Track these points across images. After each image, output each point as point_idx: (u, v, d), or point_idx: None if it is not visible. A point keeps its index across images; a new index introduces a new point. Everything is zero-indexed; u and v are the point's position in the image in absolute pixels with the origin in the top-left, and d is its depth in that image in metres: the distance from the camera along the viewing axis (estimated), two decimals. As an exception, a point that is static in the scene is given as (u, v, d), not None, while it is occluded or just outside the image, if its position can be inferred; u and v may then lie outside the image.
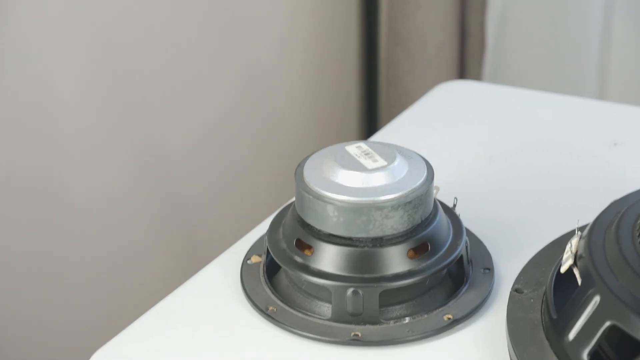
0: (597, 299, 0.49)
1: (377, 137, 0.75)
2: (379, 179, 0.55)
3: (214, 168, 1.21)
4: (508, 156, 0.72)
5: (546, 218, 0.63)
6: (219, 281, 0.59)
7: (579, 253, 0.52)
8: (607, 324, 0.48)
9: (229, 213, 1.23)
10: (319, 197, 0.55)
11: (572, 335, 0.49)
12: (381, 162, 0.56)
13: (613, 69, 1.23)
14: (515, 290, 0.55)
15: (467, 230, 0.61)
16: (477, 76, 1.31)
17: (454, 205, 0.61)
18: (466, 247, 0.58)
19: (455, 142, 0.75)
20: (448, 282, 0.58)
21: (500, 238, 0.61)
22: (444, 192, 0.64)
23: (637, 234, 0.51)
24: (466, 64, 1.33)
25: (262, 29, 1.23)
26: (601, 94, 1.25)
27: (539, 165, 0.71)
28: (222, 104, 1.20)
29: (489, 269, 0.59)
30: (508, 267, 0.59)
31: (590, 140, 0.75)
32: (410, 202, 0.55)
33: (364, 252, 0.55)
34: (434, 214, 0.57)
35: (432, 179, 0.57)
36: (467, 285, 0.57)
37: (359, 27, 1.36)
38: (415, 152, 0.59)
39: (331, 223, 0.55)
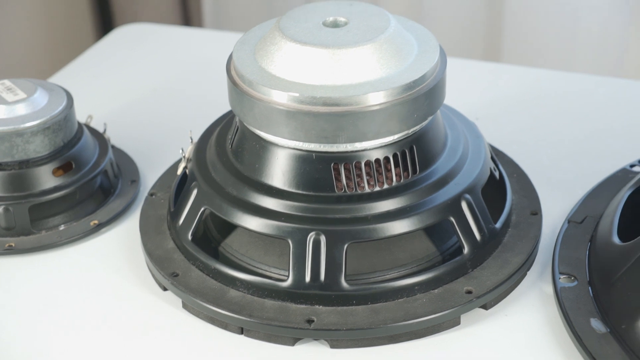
0: (196, 190, 0.60)
1: (54, 79, 0.83)
2: (20, 110, 0.63)
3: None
4: (169, 87, 0.82)
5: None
6: None
7: (189, 157, 0.63)
8: (202, 209, 0.59)
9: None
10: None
11: (180, 221, 0.61)
12: (21, 95, 0.64)
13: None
14: (150, 195, 0.66)
15: (120, 150, 0.72)
16: (199, 19, 1.40)
17: (104, 130, 0.70)
18: (111, 163, 0.68)
19: (125, 78, 0.84)
20: (99, 193, 0.67)
21: (148, 155, 0.72)
22: (103, 120, 0.73)
23: (230, 139, 0.62)
24: (189, 7, 1.42)
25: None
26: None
27: (196, 94, 0.82)
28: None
29: (135, 181, 0.69)
30: (154, 178, 0.69)
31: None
32: (49, 128, 0.63)
33: (11, 174, 0.63)
34: (78, 137, 0.66)
35: (71, 106, 0.65)
36: (114, 196, 0.67)
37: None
38: (58, 85, 0.67)
39: (-20, 152, 0.63)
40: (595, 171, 0.69)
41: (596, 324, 0.52)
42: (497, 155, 0.69)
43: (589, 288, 0.55)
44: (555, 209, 0.65)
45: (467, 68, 0.87)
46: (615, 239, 0.56)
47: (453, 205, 0.57)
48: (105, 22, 1.43)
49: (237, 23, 1.34)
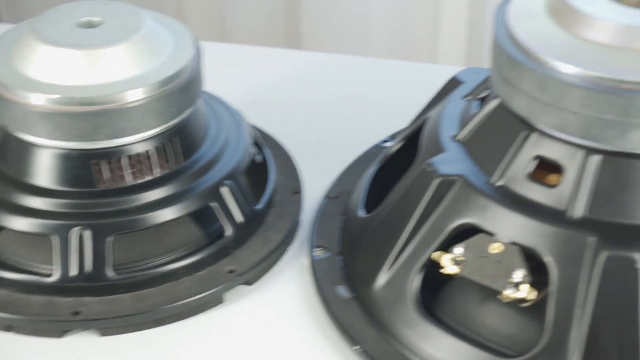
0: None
1: None
2: None
3: None
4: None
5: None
6: None
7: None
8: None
9: None
10: None
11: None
12: None
13: None
14: None
15: None
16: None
17: None
18: None
19: None
20: None
21: None
22: None
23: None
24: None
25: None
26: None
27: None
28: None
29: None
30: None
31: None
32: None
33: None
34: None
35: None
36: None
37: None
38: None
39: None
40: (357, 148, 0.75)
41: (342, 291, 0.58)
42: (266, 139, 0.73)
43: (340, 258, 0.61)
44: (319, 187, 0.70)
45: (250, 54, 0.91)
46: (361, 212, 0.62)
47: (213, 192, 0.61)
48: None
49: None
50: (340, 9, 1.34)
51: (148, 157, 0.61)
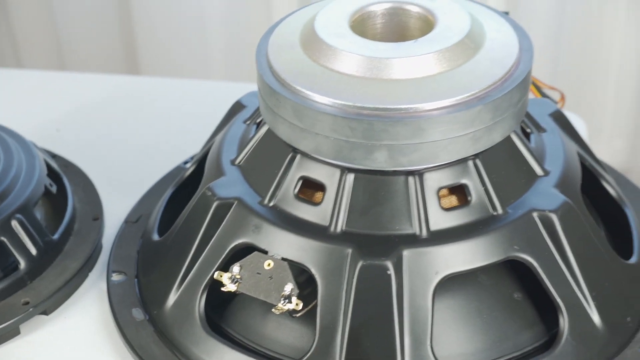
0: None
1: None
2: None
3: None
4: None
5: None
6: None
7: None
8: None
9: None
10: None
11: None
12: None
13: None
14: None
15: None
16: None
17: None
18: None
19: None
20: None
21: None
22: None
23: None
24: None
25: None
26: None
27: None
28: None
29: None
30: None
31: None
32: None
33: None
34: None
35: None
36: None
37: None
38: None
39: None
40: (162, 171, 0.77)
41: (137, 313, 0.60)
42: (67, 167, 0.74)
43: (136, 281, 0.63)
44: (121, 212, 0.72)
45: (48, 81, 0.91)
46: (155, 235, 0.64)
47: (4, 226, 0.62)
48: None
49: None
50: (176, 32, 1.34)
51: None
